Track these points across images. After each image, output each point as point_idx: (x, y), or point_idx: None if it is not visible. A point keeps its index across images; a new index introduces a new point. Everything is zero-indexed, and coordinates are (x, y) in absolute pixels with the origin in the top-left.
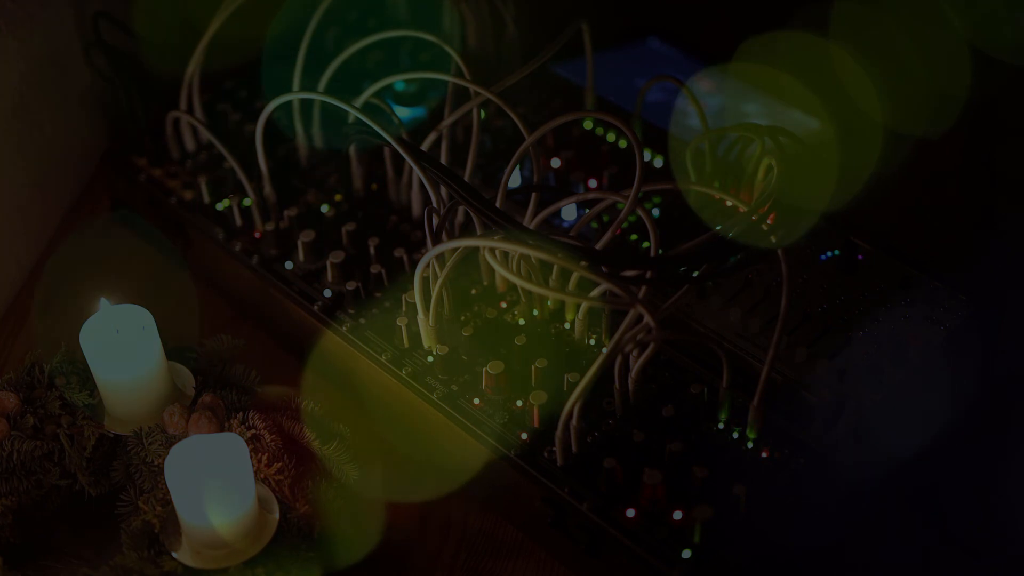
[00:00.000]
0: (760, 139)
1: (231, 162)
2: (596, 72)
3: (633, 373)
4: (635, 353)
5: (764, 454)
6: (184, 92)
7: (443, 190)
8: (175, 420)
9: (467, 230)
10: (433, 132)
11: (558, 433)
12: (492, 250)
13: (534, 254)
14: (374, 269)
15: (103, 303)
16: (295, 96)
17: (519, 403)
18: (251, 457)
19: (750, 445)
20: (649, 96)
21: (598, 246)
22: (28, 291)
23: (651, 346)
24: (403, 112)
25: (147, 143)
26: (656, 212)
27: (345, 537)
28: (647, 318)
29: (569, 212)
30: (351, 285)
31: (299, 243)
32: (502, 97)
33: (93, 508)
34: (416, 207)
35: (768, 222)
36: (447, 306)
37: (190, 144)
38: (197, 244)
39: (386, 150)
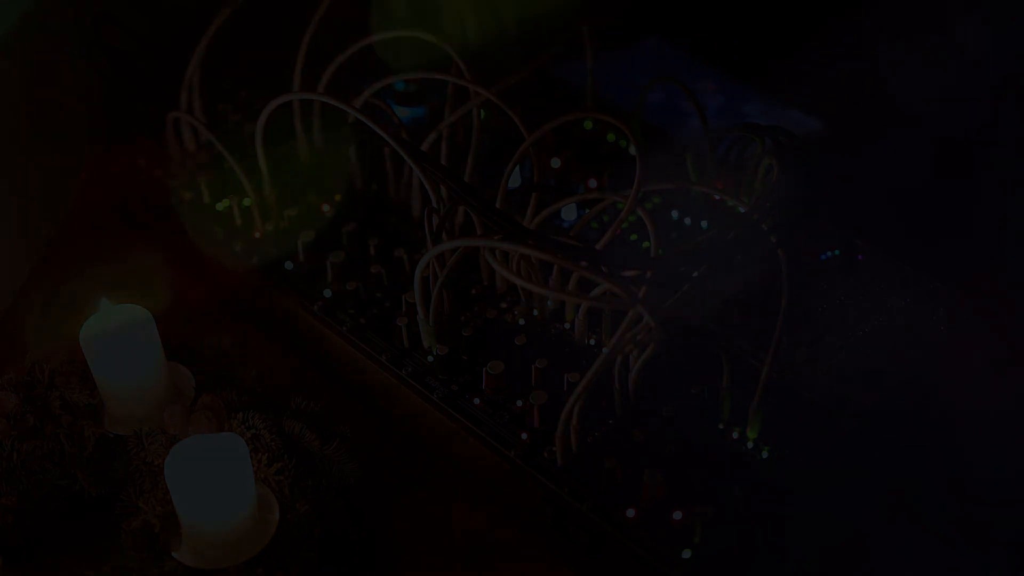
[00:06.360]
0: (760, 139)
1: (231, 162)
2: (596, 72)
3: (633, 373)
4: (635, 353)
5: (764, 454)
6: (184, 92)
7: (443, 190)
8: (175, 420)
9: (467, 230)
10: (433, 132)
11: (558, 433)
12: (492, 250)
13: (534, 254)
14: (374, 269)
15: (103, 303)
16: (295, 96)
17: (519, 403)
18: (251, 457)
19: (750, 445)
20: (649, 96)
21: (598, 246)
22: (28, 291)
23: (651, 346)
24: (403, 112)
25: (147, 143)
26: (656, 212)
27: (345, 537)
28: (647, 318)
29: (569, 212)
30: (351, 285)
31: (299, 243)
32: (502, 97)
33: (93, 508)
34: (416, 207)
35: (768, 222)
36: (447, 306)
37: (190, 144)
38: (197, 244)
39: (386, 150)
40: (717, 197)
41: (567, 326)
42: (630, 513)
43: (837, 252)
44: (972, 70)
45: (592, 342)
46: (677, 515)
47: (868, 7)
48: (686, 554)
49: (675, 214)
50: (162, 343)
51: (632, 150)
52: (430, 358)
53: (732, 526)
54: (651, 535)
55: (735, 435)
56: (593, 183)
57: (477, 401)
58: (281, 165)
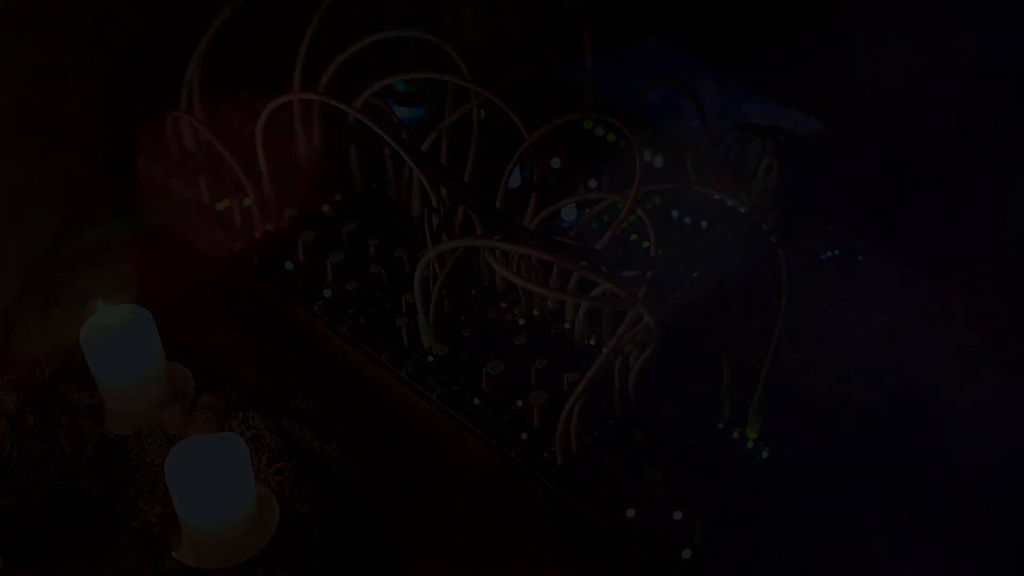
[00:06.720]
0: (760, 139)
1: (231, 162)
2: (596, 72)
3: (633, 373)
4: (635, 353)
5: (764, 454)
6: (184, 92)
7: (443, 190)
8: (175, 420)
9: (467, 230)
10: (433, 132)
11: (558, 433)
12: (492, 250)
13: (534, 254)
14: (374, 269)
15: (103, 303)
16: (295, 96)
17: (519, 403)
18: (251, 457)
19: (750, 445)
20: (649, 96)
21: (598, 246)
22: (28, 291)
23: (651, 346)
24: (403, 112)
25: (147, 143)
26: (656, 212)
27: (345, 537)
28: (647, 318)
29: (569, 212)
30: (351, 285)
31: (299, 243)
32: (502, 97)
33: (93, 508)
34: (416, 207)
35: (768, 222)
36: (447, 306)
37: (190, 144)
38: (197, 244)
39: (386, 150)
40: (717, 197)
41: (567, 326)
42: (630, 513)
43: (837, 252)
44: (973, 70)
45: (592, 342)
46: (677, 515)
47: (868, 7)
48: (686, 554)
49: (675, 214)
50: (162, 343)
51: (632, 150)
52: (430, 358)
53: (732, 526)
54: (651, 535)
55: (735, 435)
56: (593, 183)
57: (477, 401)
58: (281, 165)
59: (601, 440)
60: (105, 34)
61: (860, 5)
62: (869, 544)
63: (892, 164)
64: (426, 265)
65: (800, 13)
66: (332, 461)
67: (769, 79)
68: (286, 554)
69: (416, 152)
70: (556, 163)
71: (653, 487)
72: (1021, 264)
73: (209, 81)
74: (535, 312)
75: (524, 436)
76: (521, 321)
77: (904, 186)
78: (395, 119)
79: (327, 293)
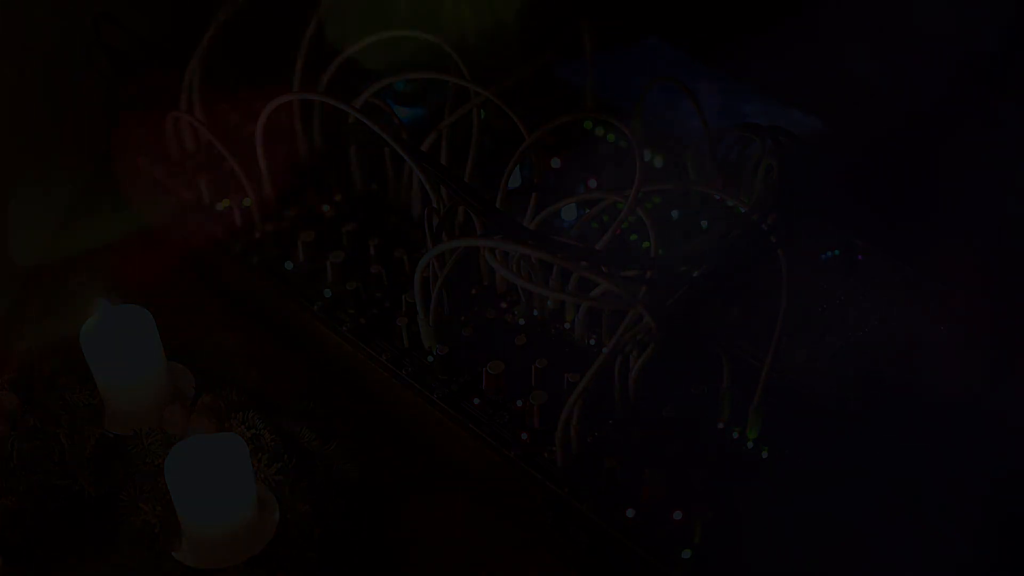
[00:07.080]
0: (760, 139)
1: (231, 162)
2: (596, 72)
3: (633, 373)
4: (635, 353)
5: (764, 454)
6: (184, 92)
7: (443, 190)
8: (175, 420)
9: (467, 230)
10: (433, 132)
11: (558, 433)
12: (492, 250)
13: (534, 254)
14: (374, 269)
15: (103, 303)
16: (295, 96)
17: (519, 403)
18: (251, 457)
19: (750, 445)
20: (649, 96)
21: (598, 246)
22: (28, 291)
23: (651, 346)
24: (403, 112)
25: (147, 143)
26: (656, 212)
27: (345, 537)
28: (647, 318)
29: (569, 212)
30: (351, 285)
31: (299, 243)
32: (502, 97)
33: (93, 508)
34: (416, 207)
35: (768, 222)
36: (447, 306)
37: (190, 144)
38: (197, 244)
39: (386, 150)
40: (717, 197)
41: (567, 326)
42: (630, 513)
43: (837, 252)
44: (972, 69)
45: (592, 342)
46: (677, 515)
47: (868, 7)
48: (686, 554)
49: (675, 214)
50: (162, 343)
51: (632, 150)
52: (430, 358)
53: (732, 526)
54: (651, 535)
55: (735, 435)
56: (593, 183)
57: (477, 401)
58: (281, 165)
59: (601, 440)
60: (105, 34)
61: (860, 5)
62: (869, 544)
63: (892, 164)
64: (426, 265)
65: (800, 13)
66: (332, 461)
67: (769, 79)
68: (286, 554)
69: (416, 152)
70: (556, 163)
71: (653, 487)
72: (1021, 264)
73: (209, 81)
74: (535, 312)
75: (524, 436)
76: (521, 321)
77: (904, 186)
78: (395, 119)
79: (327, 293)
